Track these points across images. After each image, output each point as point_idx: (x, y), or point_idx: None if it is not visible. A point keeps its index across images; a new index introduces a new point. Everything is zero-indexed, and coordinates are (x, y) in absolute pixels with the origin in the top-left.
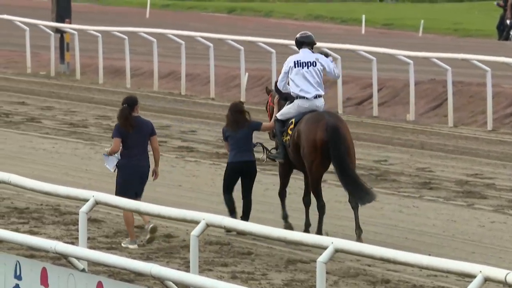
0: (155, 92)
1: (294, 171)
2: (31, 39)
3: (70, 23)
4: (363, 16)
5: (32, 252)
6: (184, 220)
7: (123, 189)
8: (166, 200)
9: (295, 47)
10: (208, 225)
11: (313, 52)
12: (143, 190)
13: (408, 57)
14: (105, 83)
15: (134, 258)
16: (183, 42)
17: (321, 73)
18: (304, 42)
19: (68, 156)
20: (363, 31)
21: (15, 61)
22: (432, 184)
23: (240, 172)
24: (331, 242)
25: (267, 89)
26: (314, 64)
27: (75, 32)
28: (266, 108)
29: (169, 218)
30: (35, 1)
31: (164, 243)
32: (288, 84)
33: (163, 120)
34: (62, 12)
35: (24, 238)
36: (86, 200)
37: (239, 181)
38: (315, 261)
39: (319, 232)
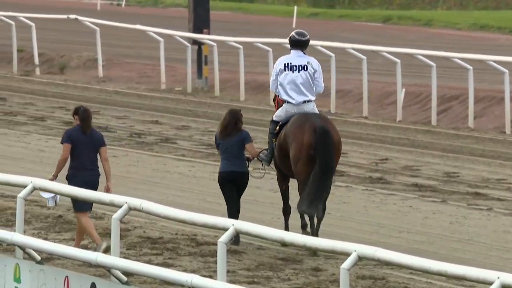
0: None
1: None
2: (166, 51)
3: (208, 33)
4: None
5: (166, 286)
6: (333, 252)
7: (80, 207)
8: None
9: (458, 60)
10: (360, 258)
11: (305, 54)
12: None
13: None
14: (246, 100)
15: None
16: (333, 55)
17: (312, 78)
18: (299, 44)
19: (206, 181)
20: None
21: (148, 75)
22: None
23: (232, 181)
24: (497, 277)
25: None
26: (305, 68)
27: (214, 44)
28: (274, 102)
29: (317, 250)
30: (171, 10)
31: (312, 277)
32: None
33: None
34: (200, 21)
35: (157, 270)
36: (225, 229)
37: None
38: None
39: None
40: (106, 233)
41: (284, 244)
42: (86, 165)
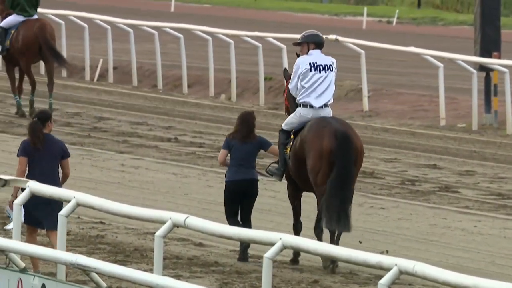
0: None
1: None
2: (446, 79)
3: (499, 57)
4: None
5: None
6: None
7: (28, 220)
8: None
9: None
10: None
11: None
12: (56, 223)
13: None
14: None
15: None
16: None
17: (335, 79)
18: (314, 42)
19: (496, 239)
20: None
21: (424, 109)
22: None
23: (242, 192)
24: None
25: (285, 72)
26: (331, 69)
27: (506, 70)
28: (285, 98)
29: None
30: (453, 28)
31: None
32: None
33: None
34: (489, 43)
35: None
36: None
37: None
38: None
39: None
40: None
41: None
42: (45, 181)
